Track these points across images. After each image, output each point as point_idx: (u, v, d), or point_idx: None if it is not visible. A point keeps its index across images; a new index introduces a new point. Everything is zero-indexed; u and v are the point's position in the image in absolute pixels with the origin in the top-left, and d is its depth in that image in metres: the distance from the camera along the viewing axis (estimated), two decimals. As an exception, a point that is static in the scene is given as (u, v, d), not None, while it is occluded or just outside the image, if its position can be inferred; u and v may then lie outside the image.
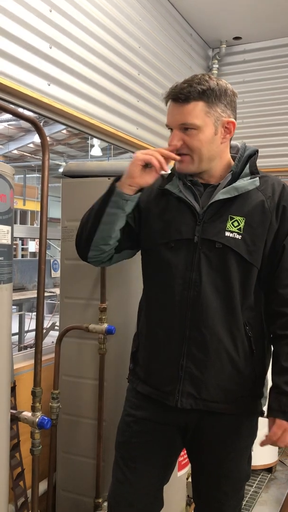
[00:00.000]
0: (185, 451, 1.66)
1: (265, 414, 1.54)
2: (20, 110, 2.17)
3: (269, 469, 3.11)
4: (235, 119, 1.45)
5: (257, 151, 1.49)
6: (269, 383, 1.54)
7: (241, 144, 1.51)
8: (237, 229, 1.39)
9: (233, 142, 1.54)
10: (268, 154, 3.85)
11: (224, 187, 1.43)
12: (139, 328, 1.57)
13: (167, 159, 1.39)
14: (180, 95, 1.35)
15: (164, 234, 1.45)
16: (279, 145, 3.94)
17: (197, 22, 3.82)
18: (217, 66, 4.23)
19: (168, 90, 1.40)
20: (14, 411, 1.77)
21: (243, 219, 1.40)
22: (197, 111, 1.36)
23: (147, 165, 1.37)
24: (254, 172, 1.44)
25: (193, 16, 3.72)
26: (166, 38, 3.44)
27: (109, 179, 2.08)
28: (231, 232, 1.39)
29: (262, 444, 1.42)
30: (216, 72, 4.21)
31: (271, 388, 1.43)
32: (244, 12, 3.60)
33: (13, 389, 2.00)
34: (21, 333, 6.49)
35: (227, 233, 1.39)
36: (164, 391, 1.46)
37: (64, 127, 9.62)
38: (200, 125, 1.37)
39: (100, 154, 11.14)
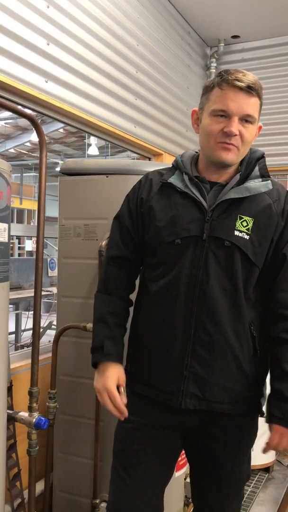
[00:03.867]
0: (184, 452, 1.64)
1: (265, 415, 1.53)
2: (18, 107, 2.16)
3: (267, 469, 3.10)
4: None
5: (263, 154, 1.49)
6: (268, 383, 1.53)
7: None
8: (245, 229, 1.38)
9: None
10: (269, 153, 3.82)
11: (232, 187, 1.42)
12: (138, 327, 1.52)
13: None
14: (253, 86, 1.34)
15: (170, 232, 1.41)
16: (279, 144, 3.93)
17: (196, 20, 3.81)
18: (215, 64, 4.22)
19: (229, 75, 1.34)
20: (10, 411, 1.76)
21: (252, 219, 1.39)
22: (257, 107, 1.38)
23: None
24: (265, 175, 1.44)
25: (192, 14, 3.71)
26: (164, 36, 3.42)
27: (107, 177, 2.06)
28: (240, 231, 1.38)
29: (265, 451, 1.41)
30: (214, 71, 4.20)
31: (271, 394, 1.42)
32: (242, 10, 3.59)
33: (9, 389, 1.98)
34: (18, 332, 6.48)
35: (236, 232, 1.38)
36: (166, 391, 1.42)
37: (61, 125, 9.60)
38: (256, 121, 1.39)
39: (97, 153, 11.13)
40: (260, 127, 1.45)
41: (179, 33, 3.69)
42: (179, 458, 2.13)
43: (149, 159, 3.55)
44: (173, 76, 3.58)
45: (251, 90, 1.34)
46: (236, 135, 1.35)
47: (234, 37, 4.06)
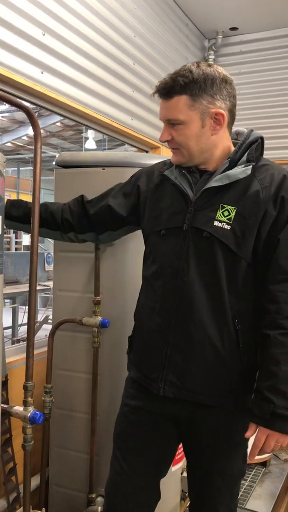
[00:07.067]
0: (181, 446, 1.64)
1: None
2: (12, 98, 2.12)
3: (264, 463, 3.10)
4: (234, 106, 1.41)
5: (261, 138, 1.44)
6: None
7: (248, 130, 1.45)
8: (227, 218, 1.35)
9: (241, 129, 1.50)
10: (268, 146, 3.79)
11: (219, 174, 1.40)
12: (135, 314, 1.59)
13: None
14: (163, 91, 1.35)
15: (157, 222, 1.46)
16: (276, 137, 3.90)
17: (193, 12, 3.77)
18: (213, 57, 4.19)
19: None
20: (5, 406, 1.74)
21: (234, 208, 1.35)
22: (180, 105, 1.34)
23: None
24: (250, 160, 1.39)
25: (189, 6, 3.67)
26: (161, 27, 3.39)
27: (103, 169, 2.04)
28: (220, 221, 1.35)
29: (251, 456, 1.35)
30: (212, 63, 4.16)
31: (254, 392, 1.37)
32: (241, 2, 3.56)
33: (5, 383, 1.97)
34: (14, 326, 6.50)
35: (216, 223, 1.35)
36: (150, 378, 1.47)
37: (58, 119, 9.54)
38: (185, 120, 1.34)
39: (95, 146, 11.07)
40: (218, 113, 1.35)
41: (177, 24, 3.65)
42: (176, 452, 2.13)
43: (147, 152, 3.52)
44: (171, 69, 3.52)
45: (164, 93, 1.35)
46: (167, 140, 1.41)
47: (233, 29, 4.03)
